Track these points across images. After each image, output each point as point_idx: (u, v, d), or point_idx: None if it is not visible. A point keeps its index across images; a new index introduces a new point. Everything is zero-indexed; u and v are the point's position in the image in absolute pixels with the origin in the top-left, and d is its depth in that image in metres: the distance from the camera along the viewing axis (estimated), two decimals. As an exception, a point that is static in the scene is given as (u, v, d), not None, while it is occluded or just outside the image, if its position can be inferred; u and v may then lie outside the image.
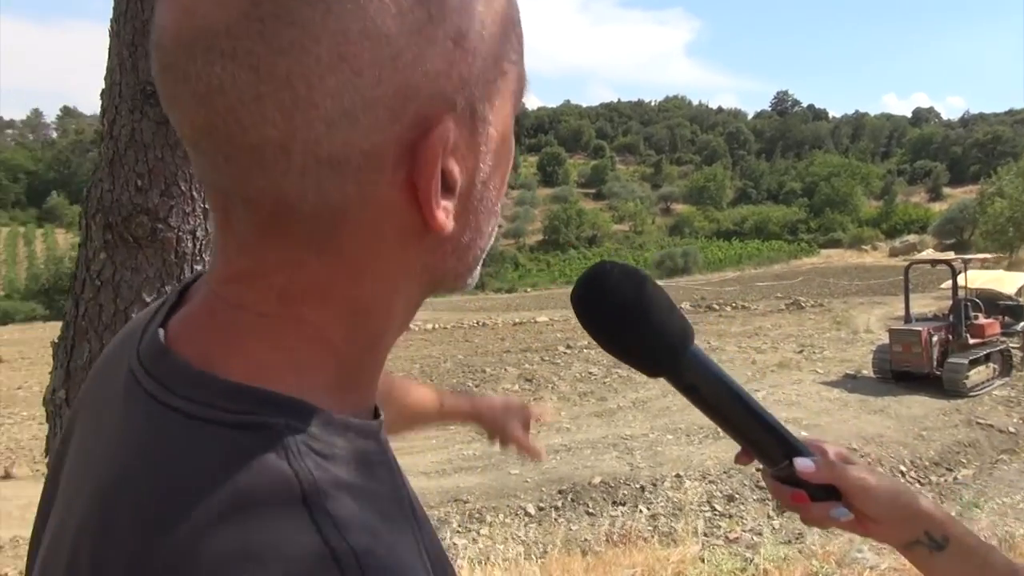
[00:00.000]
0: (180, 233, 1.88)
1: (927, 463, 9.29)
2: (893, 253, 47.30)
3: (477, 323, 24.26)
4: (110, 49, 1.88)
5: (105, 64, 1.91)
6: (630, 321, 0.62)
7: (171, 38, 0.38)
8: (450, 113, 0.41)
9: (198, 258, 1.93)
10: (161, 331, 0.45)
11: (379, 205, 0.41)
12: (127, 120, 1.83)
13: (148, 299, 1.85)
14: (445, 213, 0.42)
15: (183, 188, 1.86)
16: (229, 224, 0.43)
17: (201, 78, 0.37)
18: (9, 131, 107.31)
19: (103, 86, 1.90)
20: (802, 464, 0.68)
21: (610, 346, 0.63)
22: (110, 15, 1.87)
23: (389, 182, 0.40)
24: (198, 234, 1.91)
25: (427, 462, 9.35)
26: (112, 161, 1.84)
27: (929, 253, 21.06)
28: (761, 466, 0.74)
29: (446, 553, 0.48)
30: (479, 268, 0.52)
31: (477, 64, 0.42)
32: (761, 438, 0.69)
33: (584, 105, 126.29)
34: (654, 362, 0.64)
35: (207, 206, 1.67)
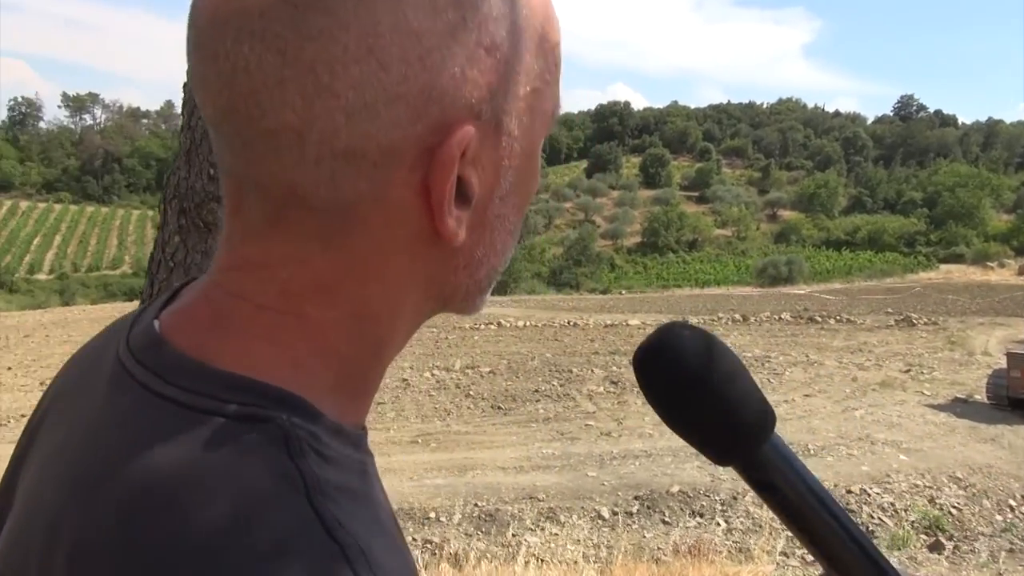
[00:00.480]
0: (247, 220, 1.99)
1: (1041, 499, 8.59)
2: (1023, 271, 43.87)
3: (568, 323, 24.22)
4: (187, 38, 2.00)
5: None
6: (696, 398, 0.54)
7: (207, 18, 0.39)
8: (474, 121, 0.40)
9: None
10: (155, 322, 0.44)
11: (392, 206, 0.40)
12: (204, 112, 1.95)
13: (215, 282, 1.98)
14: (457, 223, 0.41)
15: (251, 178, 1.97)
16: (240, 212, 0.43)
17: (228, 57, 0.37)
18: (145, 121, 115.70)
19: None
20: None
21: (673, 424, 0.55)
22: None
23: (404, 183, 0.40)
24: (264, 222, 2.02)
25: (506, 458, 9.44)
26: (189, 151, 1.96)
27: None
28: None
29: None
30: (489, 292, 0.51)
31: (508, 77, 0.41)
32: (847, 559, 0.56)
33: (692, 106, 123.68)
34: (723, 450, 0.55)
35: (221, 193, 1.73)
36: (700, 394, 0.53)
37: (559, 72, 0.46)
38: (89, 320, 25.71)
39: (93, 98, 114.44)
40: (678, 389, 0.54)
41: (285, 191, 0.40)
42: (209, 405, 0.39)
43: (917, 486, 8.41)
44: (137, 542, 0.35)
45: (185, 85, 2.04)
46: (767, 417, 0.54)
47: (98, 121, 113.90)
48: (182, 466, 0.37)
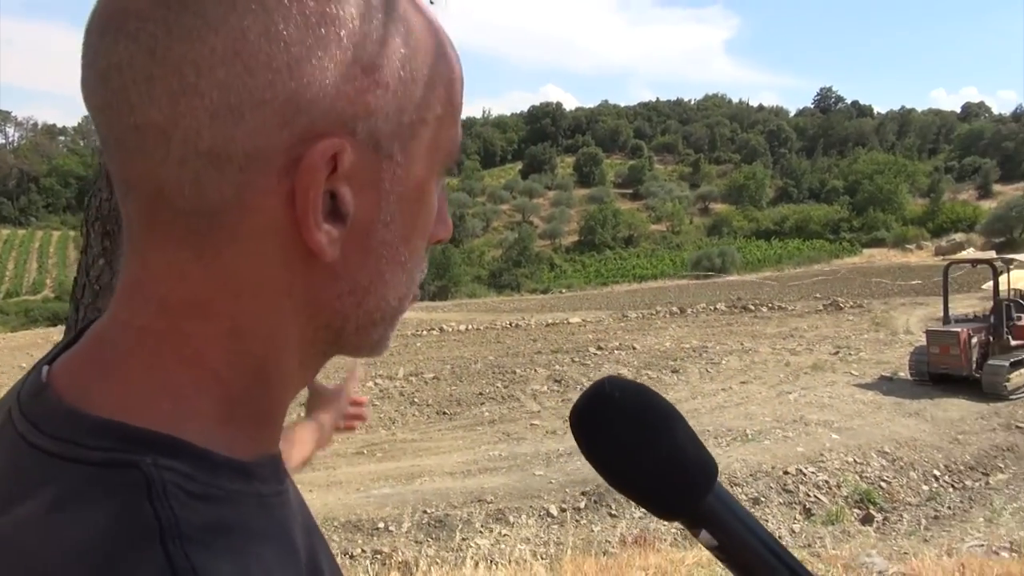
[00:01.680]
0: (173, 240, 1.97)
1: (962, 467, 9.08)
2: (939, 252, 46.06)
3: (510, 324, 24.33)
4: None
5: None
6: (632, 459, 0.53)
7: (93, 23, 0.40)
8: (347, 136, 0.40)
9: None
10: (46, 368, 0.45)
11: (260, 214, 0.40)
12: (122, 134, 1.94)
13: (143, 303, 1.96)
14: (328, 238, 0.41)
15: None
16: (127, 226, 0.43)
17: (105, 56, 0.39)
18: (62, 138, 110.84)
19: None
20: None
21: (613, 484, 0.55)
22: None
23: (272, 191, 0.40)
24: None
25: (453, 462, 9.44)
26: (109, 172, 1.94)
27: (970, 252, 20.48)
28: None
29: None
30: (392, 332, 0.50)
31: (389, 100, 0.42)
32: None
33: (622, 104, 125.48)
34: (665, 506, 0.54)
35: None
36: (636, 455, 0.53)
37: (455, 109, 0.47)
38: (10, 349, 24.51)
39: (4, 116, 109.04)
40: (613, 451, 0.53)
41: (153, 191, 0.40)
42: (73, 453, 0.38)
43: (849, 463, 8.78)
44: None
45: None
46: (707, 469, 0.53)
47: (11, 140, 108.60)
48: (39, 517, 0.36)
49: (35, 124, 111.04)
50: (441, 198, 0.50)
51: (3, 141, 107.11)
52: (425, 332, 22.35)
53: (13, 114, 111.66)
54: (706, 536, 0.54)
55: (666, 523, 7.22)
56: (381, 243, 0.45)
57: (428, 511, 7.59)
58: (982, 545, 5.60)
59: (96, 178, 2.01)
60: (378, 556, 6.68)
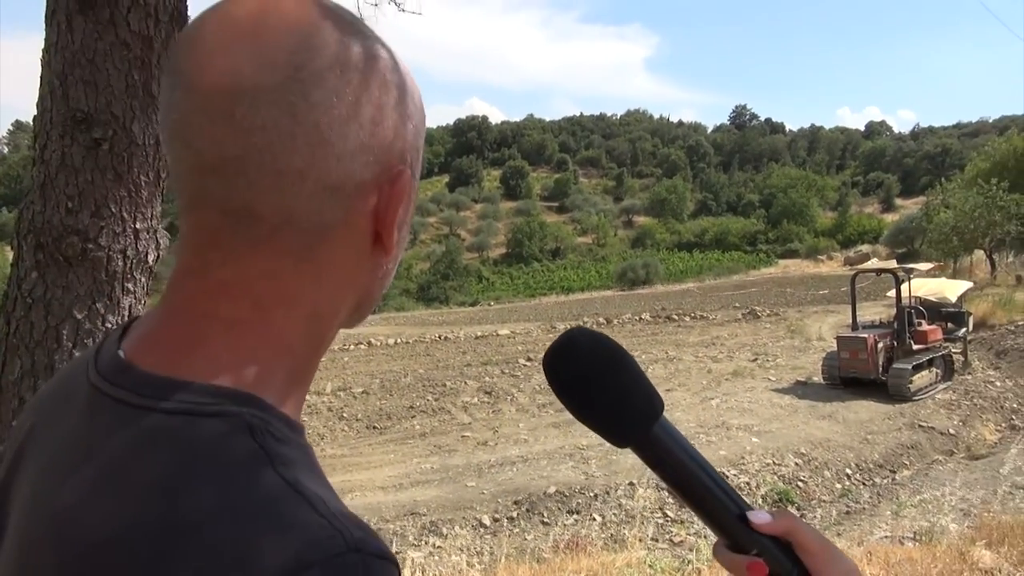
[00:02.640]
0: (111, 252, 1.96)
1: (871, 465, 9.60)
2: (848, 263, 48.47)
3: (439, 337, 24.27)
4: (41, 77, 1.96)
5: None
6: (596, 392, 0.63)
7: (216, 89, 0.50)
8: (403, 166, 0.56)
9: (129, 276, 2.01)
10: (120, 352, 0.54)
11: (354, 227, 0.55)
12: (57, 145, 1.91)
13: (79, 316, 1.93)
14: (395, 240, 0.58)
15: (113, 210, 1.95)
16: (218, 242, 0.53)
17: (245, 119, 0.49)
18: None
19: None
20: (757, 516, 0.64)
21: (578, 414, 0.64)
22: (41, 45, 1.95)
23: (364, 211, 0.55)
24: (128, 253, 1.99)
25: (385, 476, 9.37)
26: (43, 184, 1.92)
27: (874, 263, 21.64)
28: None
29: None
30: None
31: (414, 133, 0.58)
32: (719, 508, 0.65)
33: (547, 119, 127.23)
34: (620, 434, 0.64)
35: (178, 233, 1.75)
36: (595, 388, 0.63)
37: (425, 134, 0.63)
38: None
39: None
40: (577, 385, 0.64)
41: (282, 218, 0.52)
42: (184, 407, 0.49)
43: (768, 464, 9.16)
44: (150, 521, 0.45)
45: (35, 119, 2.00)
46: (654, 402, 0.64)
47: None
48: (174, 459, 0.47)
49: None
50: None
51: None
52: (352, 346, 22.05)
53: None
54: (651, 459, 0.65)
55: (598, 526, 7.38)
56: (401, 238, 0.60)
57: (360, 526, 7.52)
58: (888, 536, 5.96)
59: (28, 191, 1.98)
60: (309, 573, 6.57)
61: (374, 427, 12.31)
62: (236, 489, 0.45)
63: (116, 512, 0.46)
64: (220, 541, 0.44)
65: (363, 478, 9.36)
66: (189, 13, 2.08)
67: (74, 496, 0.48)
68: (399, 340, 23.36)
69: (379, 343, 22.68)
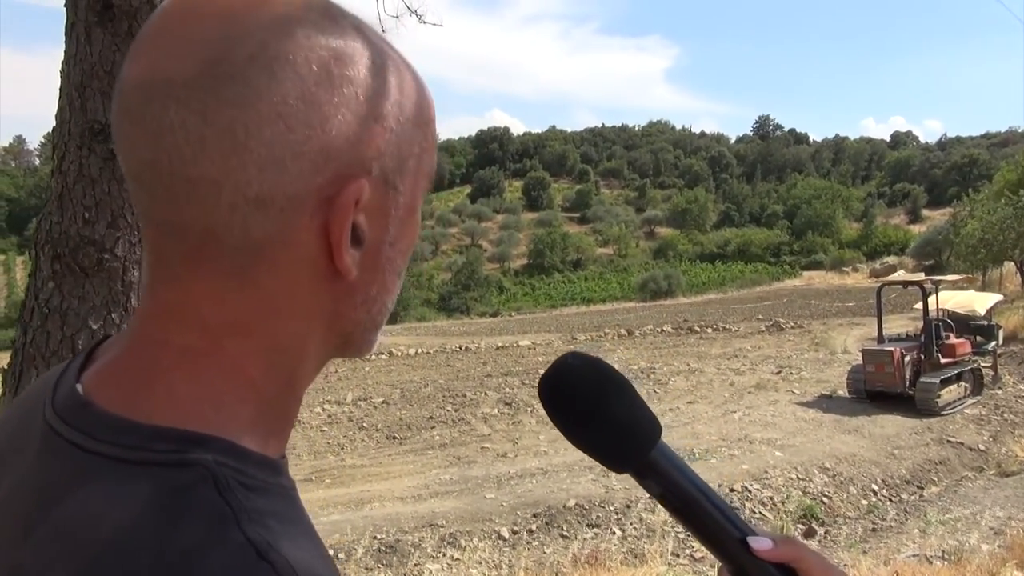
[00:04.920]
0: (126, 263, 1.97)
1: (898, 481, 9.41)
2: (873, 274, 47.85)
3: (460, 347, 24.27)
4: (60, 89, 1.98)
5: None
6: (592, 418, 0.62)
7: (133, 86, 0.45)
8: (365, 176, 0.48)
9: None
10: (78, 386, 0.49)
11: (297, 246, 0.47)
12: (75, 156, 1.93)
13: (94, 326, 1.94)
14: (352, 260, 0.48)
15: (129, 220, 1.95)
16: (161, 258, 0.48)
17: (155, 118, 0.44)
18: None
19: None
20: (758, 542, 0.62)
21: (575, 440, 0.63)
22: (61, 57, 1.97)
23: (307, 227, 0.47)
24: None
25: (404, 487, 9.35)
26: (61, 195, 1.93)
27: (900, 274, 21.33)
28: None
29: None
30: (381, 331, 0.57)
31: (392, 141, 0.49)
32: (721, 533, 0.63)
33: (569, 130, 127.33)
34: (618, 460, 0.63)
35: (141, 243, 1.75)
36: (593, 415, 0.62)
37: (435, 141, 0.55)
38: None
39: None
40: (574, 412, 0.62)
41: (202, 232, 0.46)
42: (141, 456, 0.43)
43: (792, 479, 9.01)
44: None
45: (53, 131, 2.02)
46: (653, 428, 0.63)
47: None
48: (123, 516, 0.41)
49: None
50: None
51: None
52: (374, 356, 22.11)
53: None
54: (650, 485, 0.63)
55: (618, 539, 7.29)
56: (387, 259, 0.52)
57: (379, 537, 7.50)
58: (916, 555, 5.82)
59: (47, 202, 1.99)
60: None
61: (394, 437, 12.31)
62: (194, 557, 0.40)
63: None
64: None
65: (382, 488, 9.35)
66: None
67: (30, 557, 0.43)
68: (420, 350, 23.41)
69: (400, 353, 22.74)
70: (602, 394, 0.62)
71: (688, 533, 0.68)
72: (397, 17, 3.49)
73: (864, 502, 8.83)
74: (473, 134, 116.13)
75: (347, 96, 0.47)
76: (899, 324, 18.62)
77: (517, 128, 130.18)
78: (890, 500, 8.90)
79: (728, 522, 0.63)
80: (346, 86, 0.47)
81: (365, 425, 13.14)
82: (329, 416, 13.88)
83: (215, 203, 0.45)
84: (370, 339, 0.56)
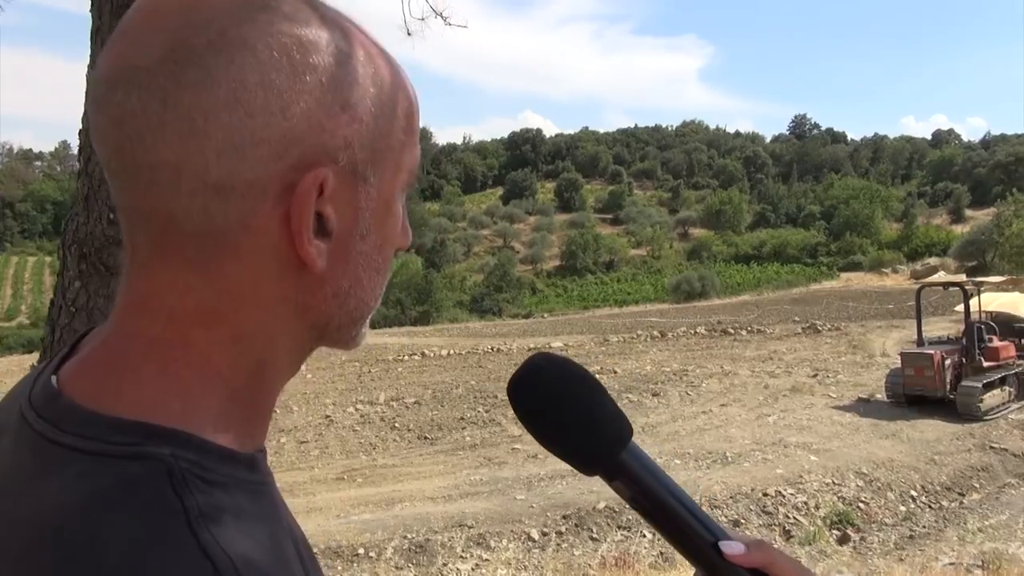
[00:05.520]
0: (151, 262, 2.00)
1: (938, 488, 9.17)
2: (914, 276, 46.72)
3: (492, 349, 24.30)
4: (86, 93, 2.02)
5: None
6: (559, 419, 0.61)
7: (103, 74, 0.46)
8: (331, 165, 0.47)
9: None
10: (53, 377, 0.49)
11: (260, 234, 0.46)
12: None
13: (120, 325, 1.97)
14: (317, 251, 0.48)
15: (153, 220, 1.99)
16: (134, 247, 0.48)
17: (119, 105, 0.44)
18: (38, 163, 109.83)
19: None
20: (729, 547, 0.60)
21: (543, 442, 0.62)
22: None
23: (269, 214, 0.46)
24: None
25: (434, 487, 9.39)
26: (87, 196, 1.97)
27: (941, 275, 20.81)
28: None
29: None
30: (366, 327, 0.57)
31: (363, 132, 0.49)
32: (693, 537, 0.62)
33: (601, 131, 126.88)
34: (587, 461, 0.62)
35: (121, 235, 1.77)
36: (560, 415, 0.60)
37: (414, 136, 0.54)
38: (-17, 376, 24.07)
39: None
40: (542, 414, 0.61)
41: (164, 218, 0.46)
42: (98, 448, 0.43)
43: (827, 484, 8.84)
44: None
45: (81, 131, 2.06)
46: (622, 429, 0.61)
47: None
48: (76, 505, 0.41)
49: (11, 149, 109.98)
50: (405, 210, 0.57)
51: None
52: (407, 357, 22.26)
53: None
54: (620, 487, 0.62)
55: (648, 542, 7.23)
56: (359, 253, 0.51)
57: (409, 536, 7.54)
58: (954, 563, 5.67)
59: (73, 203, 2.03)
60: (357, 583, 6.61)
61: (425, 438, 12.37)
62: (138, 553, 0.39)
63: (8, 560, 0.41)
64: None
65: (413, 488, 9.40)
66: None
67: None
68: (452, 351, 23.48)
69: (432, 354, 22.84)
70: (569, 395, 0.61)
71: (661, 536, 0.65)
72: (423, 19, 3.50)
73: (902, 508, 8.63)
74: (505, 136, 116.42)
75: (310, 84, 0.46)
76: (941, 327, 18.16)
77: (549, 129, 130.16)
78: (929, 507, 8.68)
79: (701, 526, 0.61)
80: (309, 73, 0.46)
81: (397, 425, 13.23)
82: (362, 416, 14.01)
83: (175, 188, 0.45)
84: (350, 334, 0.55)
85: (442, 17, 3.56)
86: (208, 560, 0.39)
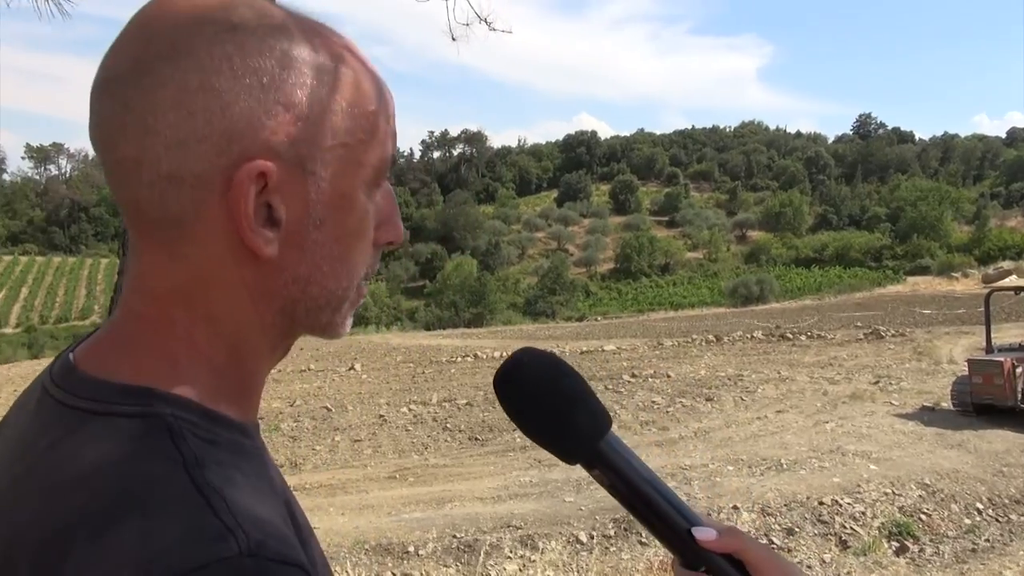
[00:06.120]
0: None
1: (1007, 501, 8.78)
2: (986, 280, 44.84)
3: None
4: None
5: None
6: (540, 410, 0.64)
7: (92, 86, 0.54)
8: (274, 159, 0.51)
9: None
10: (70, 354, 0.57)
11: (210, 221, 0.51)
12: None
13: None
14: (264, 239, 0.52)
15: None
16: (129, 235, 0.55)
17: (98, 111, 0.52)
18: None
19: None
20: (702, 532, 0.63)
21: (526, 432, 0.66)
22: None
23: (218, 204, 0.51)
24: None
25: (484, 488, 9.45)
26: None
27: (1012, 279, 19.95)
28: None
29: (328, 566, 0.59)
30: (348, 315, 0.61)
31: (309, 130, 0.53)
32: (669, 524, 0.65)
33: (657, 132, 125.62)
34: (566, 450, 0.65)
35: None
36: (541, 406, 0.64)
37: (376, 134, 0.57)
38: (59, 372, 25.20)
39: (57, 148, 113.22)
40: (524, 404, 0.65)
41: (133, 208, 0.53)
42: (108, 409, 0.51)
43: (887, 494, 8.57)
44: (55, 518, 0.46)
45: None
46: (601, 419, 0.65)
47: (63, 171, 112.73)
48: (90, 456, 0.48)
49: (86, 156, 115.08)
50: (390, 206, 0.61)
51: (56, 172, 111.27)
52: (459, 359, 22.45)
53: (66, 146, 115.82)
54: (599, 475, 0.66)
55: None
56: (315, 242, 0.55)
57: (458, 536, 7.61)
58: (1018, 578, 5.43)
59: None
60: (407, 580, 6.71)
61: (476, 439, 12.47)
62: (140, 491, 0.45)
63: (29, 508, 0.48)
64: (115, 542, 0.43)
65: (463, 488, 9.48)
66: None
67: (6, 496, 0.51)
68: (505, 353, 23.46)
69: (485, 356, 22.96)
70: (550, 387, 0.65)
71: (648, 529, 0.69)
72: (467, 25, 3.56)
73: (967, 521, 8.30)
74: (560, 138, 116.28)
75: (249, 85, 0.51)
76: (1012, 334, 17.40)
77: (604, 131, 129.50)
78: (996, 520, 8.32)
79: (676, 512, 0.64)
80: (249, 76, 0.51)
81: (449, 426, 13.36)
82: (414, 416, 14.19)
83: (137, 180, 0.51)
84: (322, 320, 0.59)
85: (486, 22, 3.62)
86: (201, 496, 0.46)
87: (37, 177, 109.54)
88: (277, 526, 0.49)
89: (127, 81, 0.51)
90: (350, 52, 0.57)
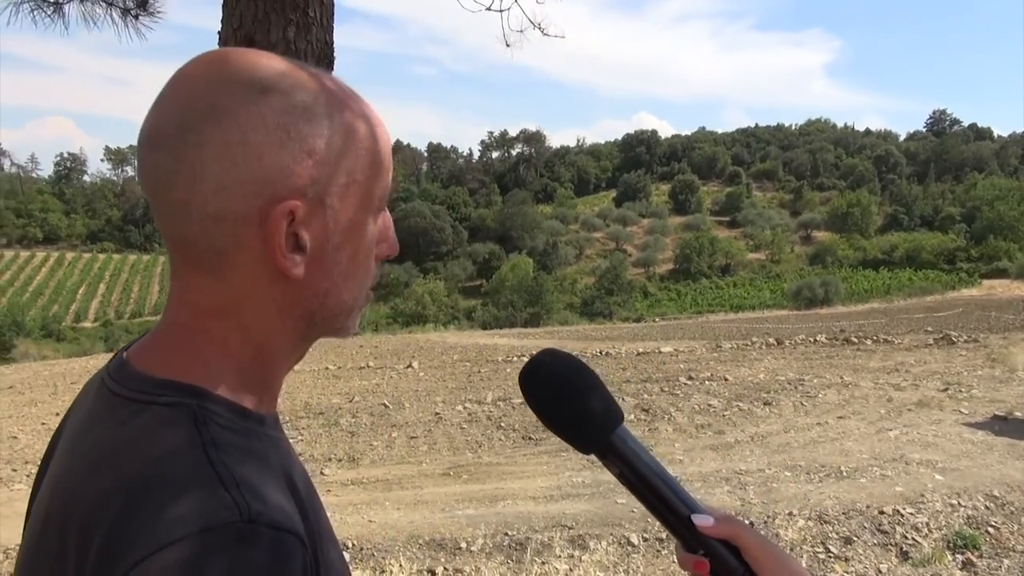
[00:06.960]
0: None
1: (1083, 516, 8.39)
2: (1069, 284, 42.63)
3: (601, 352, 24.19)
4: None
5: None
6: (559, 405, 0.73)
7: (142, 138, 0.64)
8: (300, 198, 0.63)
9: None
10: (124, 353, 0.70)
11: (249, 251, 0.63)
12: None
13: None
14: (292, 263, 0.64)
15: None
16: (172, 260, 0.66)
17: (148, 160, 0.63)
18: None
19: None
20: (700, 519, 0.70)
21: (547, 424, 0.75)
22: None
23: (256, 236, 0.62)
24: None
25: (536, 487, 9.51)
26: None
27: (1094, 284, 18.93)
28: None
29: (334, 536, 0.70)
30: (357, 318, 0.73)
31: (327, 171, 0.64)
32: (672, 510, 0.71)
33: (719, 131, 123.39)
34: (583, 441, 0.73)
35: None
36: (561, 402, 0.73)
37: (378, 169, 0.69)
38: (133, 365, 26.29)
39: (134, 150, 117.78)
40: (546, 400, 0.74)
41: (184, 241, 0.64)
42: (147, 399, 0.63)
43: (952, 505, 8.28)
44: (99, 486, 0.58)
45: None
46: (614, 414, 0.73)
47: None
48: (130, 437, 0.60)
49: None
50: (386, 224, 0.72)
51: (133, 173, 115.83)
52: (516, 358, 22.56)
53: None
54: (610, 464, 0.74)
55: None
56: (333, 263, 0.67)
57: (509, 534, 7.69)
58: (1087, 595, 5.20)
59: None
60: (459, 575, 6.84)
61: (529, 438, 12.54)
62: (166, 466, 0.56)
63: (83, 477, 0.60)
64: (144, 506, 0.54)
65: (516, 487, 9.57)
66: (335, 56, 2.31)
67: (66, 467, 0.64)
68: (560, 354, 23.53)
69: (540, 356, 22.99)
70: (569, 385, 0.73)
71: (654, 515, 0.76)
72: (521, 31, 3.64)
73: (1039, 536, 7.96)
74: (619, 138, 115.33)
75: (280, 139, 0.62)
76: (1095, 340, 16.52)
77: (665, 131, 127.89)
78: (1071, 536, 7.96)
79: (678, 500, 0.72)
80: (279, 131, 0.62)
81: (503, 425, 13.47)
82: (469, 414, 14.36)
83: (187, 218, 0.62)
84: (336, 325, 0.71)
85: (540, 28, 3.69)
86: (215, 472, 0.56)
87: (115, 178, 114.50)
88: (277, 499, 0.58)
89: (174, 136, 0.61)
90: (356, 103, 0.68)
